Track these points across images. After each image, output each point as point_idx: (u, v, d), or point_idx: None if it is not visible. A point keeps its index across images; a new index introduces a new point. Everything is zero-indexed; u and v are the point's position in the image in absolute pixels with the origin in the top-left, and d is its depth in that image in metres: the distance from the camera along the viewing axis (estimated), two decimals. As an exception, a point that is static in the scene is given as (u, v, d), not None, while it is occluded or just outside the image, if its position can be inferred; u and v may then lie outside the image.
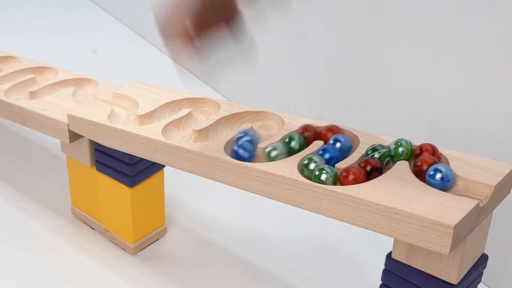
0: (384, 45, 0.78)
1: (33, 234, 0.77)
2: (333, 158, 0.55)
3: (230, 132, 0.62)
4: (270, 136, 0.61)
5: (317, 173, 0.53)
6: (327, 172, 0.52)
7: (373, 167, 0.53)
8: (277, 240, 0.78)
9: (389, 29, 0.77)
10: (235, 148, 0.57)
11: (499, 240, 0.66)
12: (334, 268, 0.73)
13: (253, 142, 0.59)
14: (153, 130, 0.64)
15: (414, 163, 0.53)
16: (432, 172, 0.50)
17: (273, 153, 0.57)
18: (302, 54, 0.92)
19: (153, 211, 0.75)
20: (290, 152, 0.57)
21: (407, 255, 0.51)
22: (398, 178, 0.51)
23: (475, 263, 0.53)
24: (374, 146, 0.55)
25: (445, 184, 0.50)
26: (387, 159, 0.54)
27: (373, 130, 0.58)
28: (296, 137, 0.57)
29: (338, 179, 0.53)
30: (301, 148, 0.57)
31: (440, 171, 0.50)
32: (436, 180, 0.50)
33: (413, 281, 0.52)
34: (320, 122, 0.60)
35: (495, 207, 0.51)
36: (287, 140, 0.58)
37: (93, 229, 0.78)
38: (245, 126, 0.62)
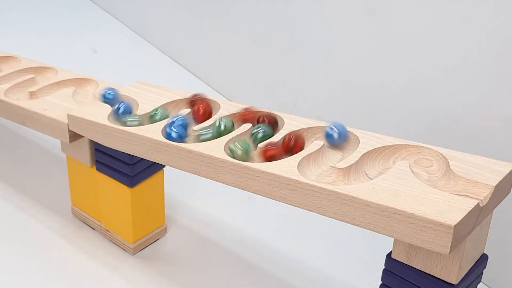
0: (384, 45, 0.78)
1: (33, 234, 0.77)
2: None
3: (230, 132, 0.62)
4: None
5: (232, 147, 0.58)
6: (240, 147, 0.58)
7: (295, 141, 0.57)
8: (277, 240, 0.78)
9: (389, 29, 0.77)
10: (168, 130, 0.62)
11: (499, 240, 0.66)
12: (334, 268, 0.73)
13: (185, 125, 0.63)
14: (153, 130, 0.64)
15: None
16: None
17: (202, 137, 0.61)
18: (302, 54, 0.92)
19: (153, 211, 0.75)
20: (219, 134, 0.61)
21: (407, 255, 0.51)
22: (398, 178, 0.51)
23: (475, 263, 0.53)
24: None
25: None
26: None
27: (373, 130, 0.58)
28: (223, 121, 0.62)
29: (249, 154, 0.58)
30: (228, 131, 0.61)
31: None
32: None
33: (413, 281, 0.52)
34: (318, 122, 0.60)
35: (495, 207, 0.51)
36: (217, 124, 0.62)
37: (93, 229, 0.78)
38: (245, 126, 0.62)
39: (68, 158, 0.76)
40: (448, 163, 0.52)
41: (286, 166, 0.54)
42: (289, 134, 0.58)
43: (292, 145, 0.57)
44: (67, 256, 0.74)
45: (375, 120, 0.82)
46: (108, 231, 0.76)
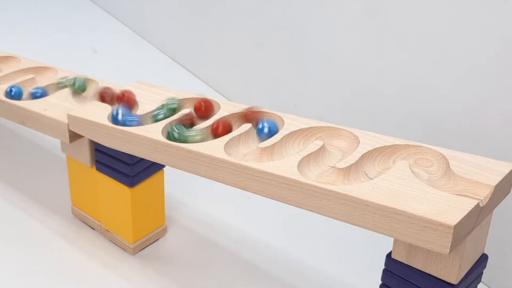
0: (384, 45, 0.78)
1: (33, 234, 0.77)
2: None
3: (230, 132, 0.62)
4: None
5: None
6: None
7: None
8: (277, 240, 0.78)
9: (389, 29, 0.77)
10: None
11: (499, 240, 0.66)
12: (334, 268, 0.73)
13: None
14: (153, 130, 0.64)
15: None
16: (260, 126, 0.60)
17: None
18: (302, 54, 0.92)
19: (153, 211, 0.75)
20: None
21: (407, 255, 0.51)
22: (398, 178, 0.51)
23: (475, 263, 0.53)
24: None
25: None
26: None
27: (373, 130, 0.58)
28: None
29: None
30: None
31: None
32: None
33: (413, 281, 0.52)
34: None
35: (495, 207, 0.51)
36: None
37: (93, 229, 0.78)
38: (244, 126, 0.62)
39: (68, 158, 0.76)
40: (448, 163, 0.52)
41: (286, 166, 0.54)
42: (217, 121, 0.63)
43: (220, 131, 0.62)
44: (67, 256, 0.74)
45: (375, 120, 0.82)
46: (108, 231, 0.76)
